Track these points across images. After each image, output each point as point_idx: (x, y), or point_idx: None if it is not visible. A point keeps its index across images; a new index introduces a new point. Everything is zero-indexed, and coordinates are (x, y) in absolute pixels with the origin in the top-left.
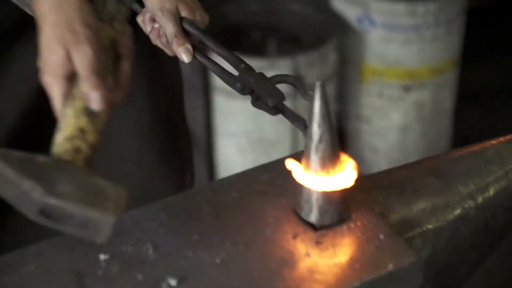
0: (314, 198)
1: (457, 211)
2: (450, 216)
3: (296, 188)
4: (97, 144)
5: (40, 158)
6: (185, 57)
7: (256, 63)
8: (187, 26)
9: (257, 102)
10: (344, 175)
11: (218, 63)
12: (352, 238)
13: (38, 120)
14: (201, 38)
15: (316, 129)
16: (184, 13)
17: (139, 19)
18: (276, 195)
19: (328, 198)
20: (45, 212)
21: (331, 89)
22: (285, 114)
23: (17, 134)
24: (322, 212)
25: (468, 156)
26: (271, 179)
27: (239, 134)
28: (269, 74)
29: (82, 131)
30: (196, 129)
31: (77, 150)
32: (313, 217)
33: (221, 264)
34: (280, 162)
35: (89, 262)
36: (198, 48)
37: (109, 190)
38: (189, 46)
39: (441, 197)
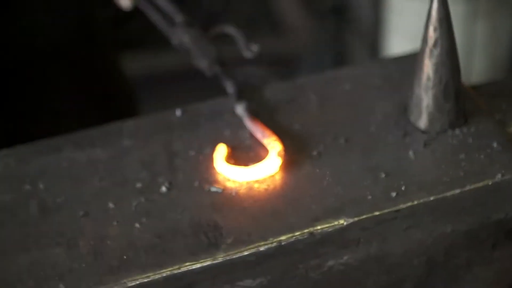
0: (424, 104)
1: None
2: None
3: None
4: None
5: None
6: (123, 3)
7: None
8: None
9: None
10: None
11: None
12: (462, 144)
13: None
14: None
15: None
16: None
17: None
18: (390, 91)
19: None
20: None
21: None
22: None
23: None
24: (431, 119)
25: None
26: (388, 74)
27: (409, 35)
28: None
29: None
30: (365, 23)
31: None
32: (421, 123)
33: (317, 157)
34: (399, 58)
35: (185, 143)
36: None
37: None
38: None
39: None
